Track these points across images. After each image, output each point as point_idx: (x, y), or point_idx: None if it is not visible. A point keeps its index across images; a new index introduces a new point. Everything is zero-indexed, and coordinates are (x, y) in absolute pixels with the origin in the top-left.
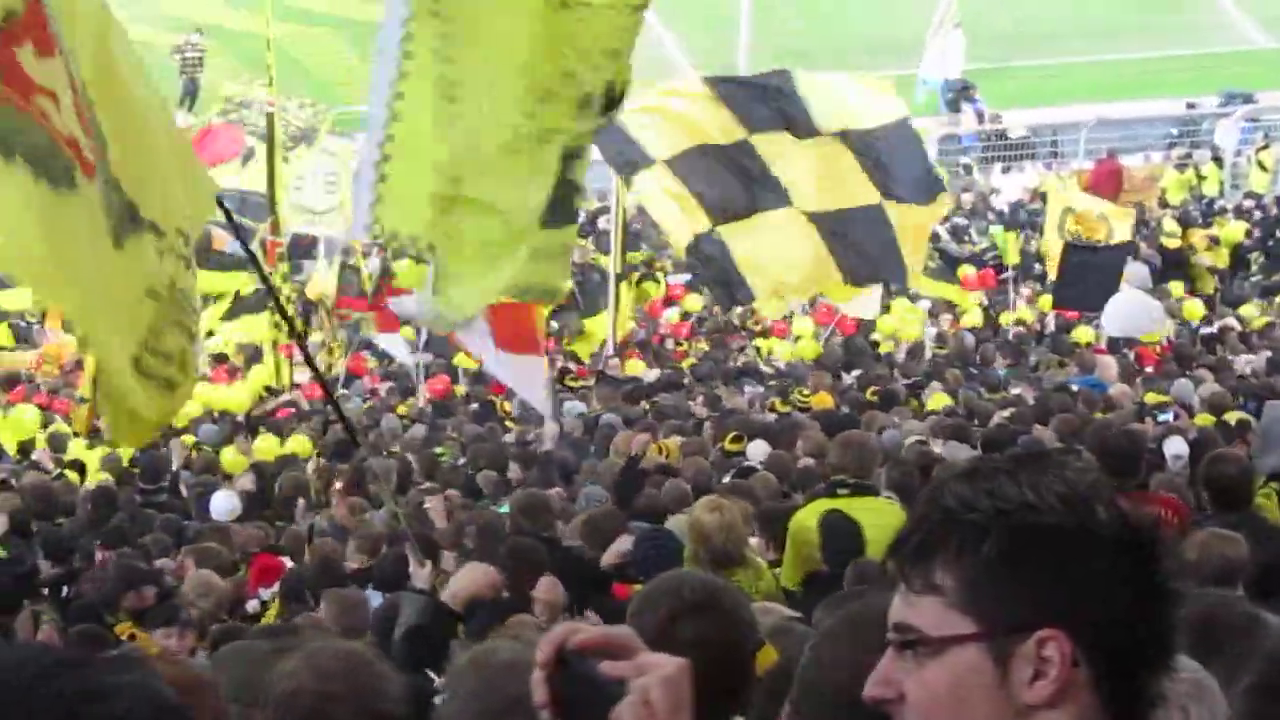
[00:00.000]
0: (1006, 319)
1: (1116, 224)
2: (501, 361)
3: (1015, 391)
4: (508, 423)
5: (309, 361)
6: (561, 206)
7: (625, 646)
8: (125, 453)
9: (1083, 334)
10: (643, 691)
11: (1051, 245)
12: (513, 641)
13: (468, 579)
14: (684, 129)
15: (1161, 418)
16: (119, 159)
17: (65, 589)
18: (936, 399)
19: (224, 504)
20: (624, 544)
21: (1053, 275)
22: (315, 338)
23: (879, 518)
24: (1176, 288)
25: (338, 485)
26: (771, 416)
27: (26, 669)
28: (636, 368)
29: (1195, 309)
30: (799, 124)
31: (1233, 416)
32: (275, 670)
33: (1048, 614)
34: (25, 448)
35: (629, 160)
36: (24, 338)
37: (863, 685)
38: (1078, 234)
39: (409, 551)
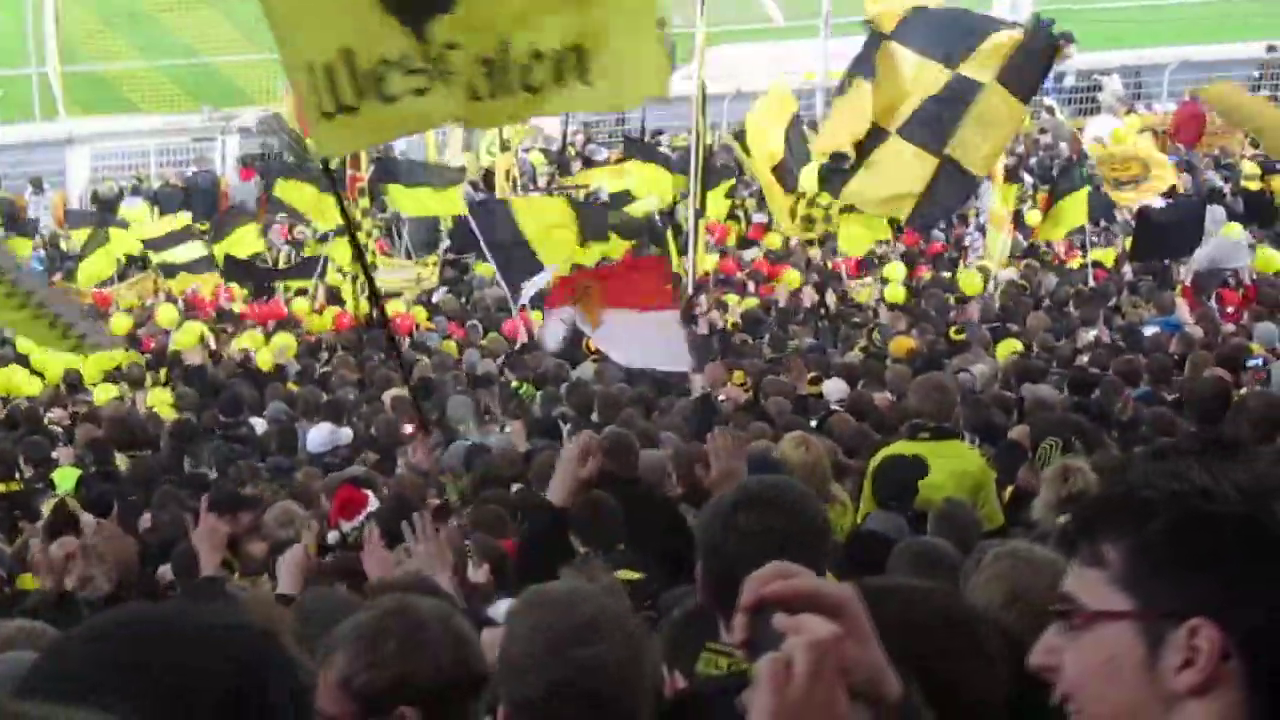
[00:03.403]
0: (1076, 262)
1: (1155, 170)
2: (623, 323)
3: (1091, 334)
4: (593, 360)
5: (374, 294)
6: None
7: (813, 601)
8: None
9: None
10: (787, 652)
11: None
12: (567, 579)
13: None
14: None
15: (1250, 363)
16: None
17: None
18: (1007, 344)
19: (320, 438)
20: None
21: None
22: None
23: (957, 463)
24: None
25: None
26: (851, 357)
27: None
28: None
29: (1272, 260)
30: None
31: None
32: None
33: (1203, 603)
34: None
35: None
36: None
37: None
38: (1114, 179)
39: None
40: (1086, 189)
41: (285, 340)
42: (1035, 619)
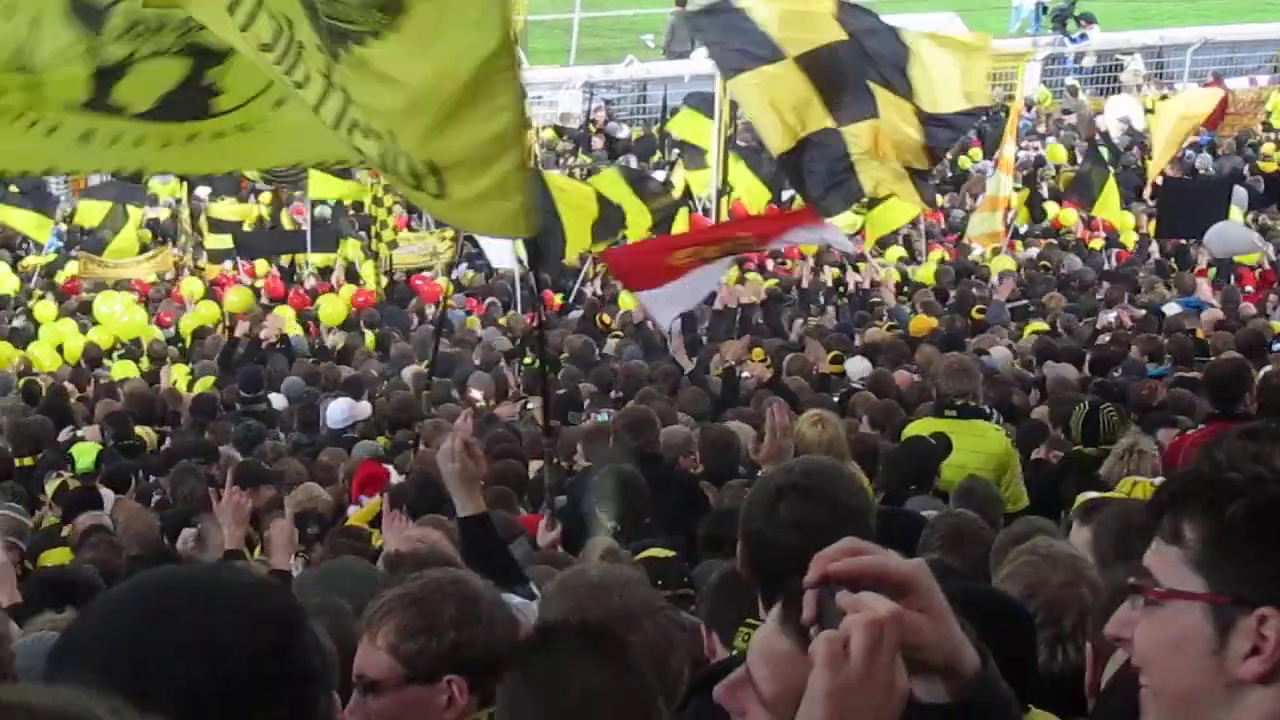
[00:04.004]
0: (1097, 244)
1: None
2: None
3: (1111, 316)
4: (613, 336)
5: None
6: None
7: (879, 578)
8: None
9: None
10: (844, 630)
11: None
12: (601, 563)
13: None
14: (808, 26)
15: (1277, 346)
16: None
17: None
18: (1034, 325)
19: (341, 413)
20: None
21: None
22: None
23: (980, 443)
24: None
25: (476, 395)
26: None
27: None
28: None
29: None
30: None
31: None
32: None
33: (1274, 591)
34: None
35: (753, 56)
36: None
37: None
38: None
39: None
40: (1112, 171)
41: (329, 315)
42: (1050, 611)
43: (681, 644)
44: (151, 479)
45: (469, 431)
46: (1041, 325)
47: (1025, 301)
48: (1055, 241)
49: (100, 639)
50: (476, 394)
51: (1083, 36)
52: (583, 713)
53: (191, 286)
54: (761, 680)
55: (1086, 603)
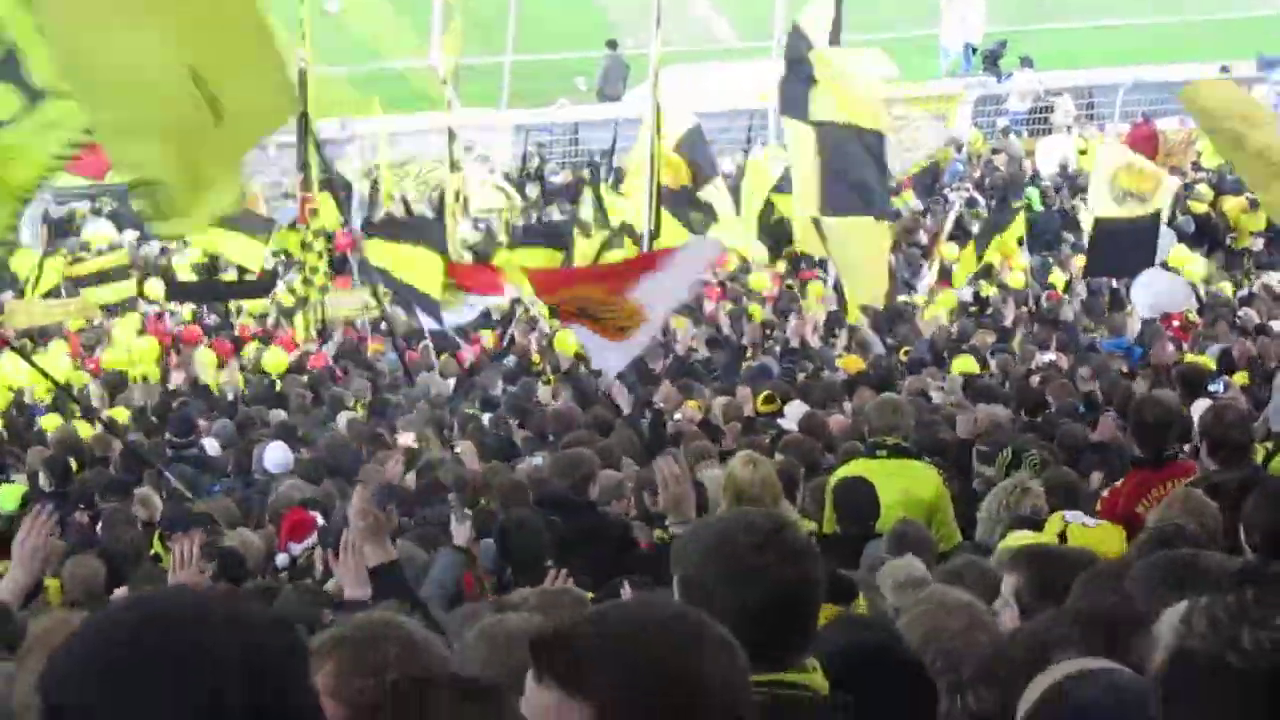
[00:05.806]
0: (1016, 282)
1: (1162, 186)
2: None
3: (1048, 357)
4: (543, 380)
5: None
6: None
7: None
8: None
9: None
10: None
11: (1098, 205)
12: (520, 613)
13: None
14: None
15: (1211, 387)
16: None
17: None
18: (961, 362)
19: (279, 457)
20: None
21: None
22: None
23: (910, 484)
24: (1189, 261)
25: (407, 439)
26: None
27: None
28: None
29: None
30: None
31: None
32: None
33: None
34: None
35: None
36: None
37: None
38: (1129, 190)
39: (453, 506)
40: (1021, 216)
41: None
42: (948, 659)
43: None
44: (79, 511)
45: (397, 476)
46: (971, 361)
47: (956, 341)
48: (985, 281)
49: (110, 644)
50: (407, 438)
51: (1008, 75)
52: None
53: (129, 323)
54: None
55: (985, 649)
